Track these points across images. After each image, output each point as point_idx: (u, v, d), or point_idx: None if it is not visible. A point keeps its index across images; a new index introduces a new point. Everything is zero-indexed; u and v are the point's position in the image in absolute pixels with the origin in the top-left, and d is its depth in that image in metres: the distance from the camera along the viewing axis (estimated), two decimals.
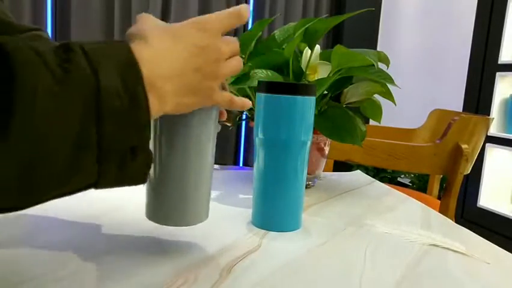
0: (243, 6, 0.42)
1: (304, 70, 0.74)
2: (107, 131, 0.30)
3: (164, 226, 0.47)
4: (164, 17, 2.84)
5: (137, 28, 0.37)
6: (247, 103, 0.46)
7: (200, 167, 0.45)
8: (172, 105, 0.37)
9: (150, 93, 0.33)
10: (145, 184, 0.45)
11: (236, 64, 0.42)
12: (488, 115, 2.11)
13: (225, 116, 0.49)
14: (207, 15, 0.40)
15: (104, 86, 0.29)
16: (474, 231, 0.61)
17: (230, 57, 0.41)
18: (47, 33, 0.52)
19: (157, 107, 0.35)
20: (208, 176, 0.46)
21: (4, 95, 0.25)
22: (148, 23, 0.39)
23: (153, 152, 0.43)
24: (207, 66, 0.38)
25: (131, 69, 0.31)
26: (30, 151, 0.26)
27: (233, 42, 0.42)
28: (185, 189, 0.44)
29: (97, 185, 0.32)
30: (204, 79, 0.38)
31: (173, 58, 0.36)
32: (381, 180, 2.52)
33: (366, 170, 2.73)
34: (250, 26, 3.07)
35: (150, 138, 0.34)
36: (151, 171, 0.44)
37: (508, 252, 0.54)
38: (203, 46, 0.38)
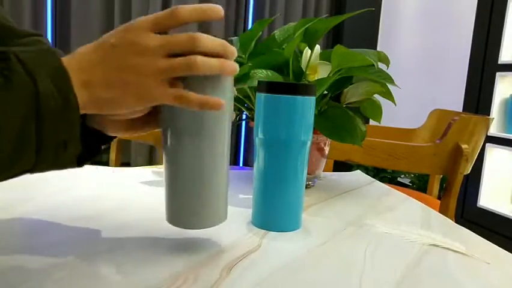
0: (182, 7, 0.41)
1: (304, 70, 0.74)
2: (45, 128, 0.35)
3: (164, 226, 0.47)
4: None
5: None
6: (208, 103, 0.41)
7: (215, 168, 0.45)
8: (103, 102, 0.40)
9: (79, 92, 0.37)
10: (164, 189, 0.47)
11: (179, 61, 0.40)
12: (488, 115, 2.11)
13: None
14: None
15: (42, 91, 0.35)
16: (474, 231, 0.61)
17: (170, 54, 0.40)
18: (47, 39, 0.53)
19: (87, 104, 0.39)
20: (225, 176, 0.47)
21: None
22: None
23: (168, 155, 0.45)
24: (126, 60, 0.39)
25: (61, 75, 0.37)
26: None
27: (164, 39, 0.40)
28: (202, 191, 0.45)
29: (33, 170, 0.38)
30: (127, 73, 0.39)
31: (92, 58, 0.39)
32: (381, 180, 2.52)
33: (366, 170, 2.73)
34: (250, 26, 3.07)
35: (79, 134, 0.39)
36: (167, 175, 0.46)
37: (508, 252, 0.54)
38: (120, 42, 0.39)
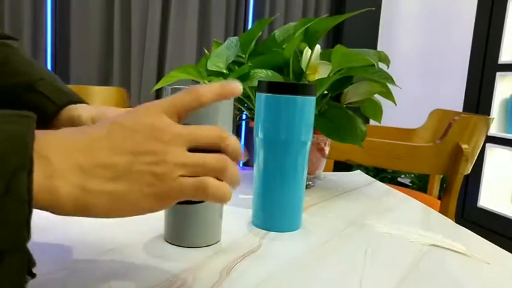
0: (206, 87, 0.34)
1: (304, 70, 0.73)
2: None
3: (163, 227, 0.47)
4: (164, 17, 2.84)
5: None
6: (228, 194, 0.33)
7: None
8: (99, 197, 0.29)
9: (67, 178, 0.27)
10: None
11: (196, 159, 0.32)
12: (489, 115, 2.11)
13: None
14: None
15: None
16: (474, 231, 0.61)
17: (191, 147, 0.32)
18: (21, 46, 0.50)
19: (56, 199, 0.27)
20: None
21: None
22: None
23: None
24: (143, 145, 0.30)
25: (13, 149, 0.25)
26: None
27: (188, 132, 0.32)
28: (198, 215, 0.48)
29: None
30: (134, 164, 0.30)
31: (95, 137, 0.30)
32: (381, 180, 2.52)
33: (366, 170, 2.73)
34: (250, 26, 3.07)
35: (28, 239, 0.26)
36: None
37: (508, 252, 0.54)
38: (134, 124, 0.31)
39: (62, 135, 0.29)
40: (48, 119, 0.48)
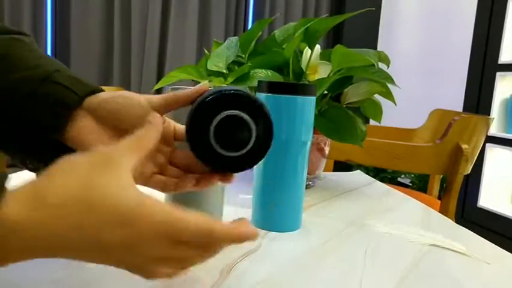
0: (219, 231, 0.31)
1: (304, 70, 0.73)
2: None
3: None
4: (164, 16, 2.84)
5: None
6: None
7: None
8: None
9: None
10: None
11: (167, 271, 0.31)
12: (488, 115, 2.11)
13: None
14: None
15: None
16: (474, 231, 0.61)
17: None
18: (33, 42, 0.50)
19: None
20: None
21: None
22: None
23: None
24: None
25: None
26: None
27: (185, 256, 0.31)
28: None
29: None
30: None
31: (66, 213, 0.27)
32: (381, 180, 2.51)
33: (366, 170, 2.73)
34: (250, 26, 3.07)
35: None
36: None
37: (508, 252, 0.54)
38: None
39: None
40: (70, 110, 0.48)
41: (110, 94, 0.46)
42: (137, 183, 0.30)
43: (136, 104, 0.42)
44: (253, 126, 0.38)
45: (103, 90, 0.50)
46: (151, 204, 0.29)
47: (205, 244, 0.31)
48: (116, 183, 0.29)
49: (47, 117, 0.40)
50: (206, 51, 0.88)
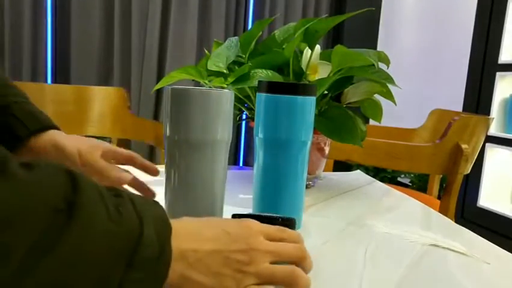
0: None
1: (304, 70, 0.74)
2: (132, 278, 0.30)
3: None
4: (164, 16, 2.84)
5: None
6: None
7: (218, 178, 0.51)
8: (186, 283, 0.35)
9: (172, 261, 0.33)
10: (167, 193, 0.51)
11: (282, 273, 0.37)
12: (488, 115, 2.11)
13: None
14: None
15: (146, 234, 0.31)
16: (474, 231, 0.61)
17: (273, 262, 0.38)
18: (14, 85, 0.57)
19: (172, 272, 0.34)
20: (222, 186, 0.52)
21: (65, 218, 0.28)
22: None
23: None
24: (235, 253, 0.36)
25: (164, 224, 0.34)
26: (64, 271, 0.28)
27: (276, 248, 0.38)
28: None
29: None
30: (228, 265, 0.36)
31: (202, 232, 0.37)
32: (381, 180, 2.51)
33: (366, 170, 2.73)
34: (250, 26, 3.07)
35: None
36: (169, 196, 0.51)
37: (508, 252, 0.54)
38: (232, 232, 0.37)
39: (178, 223, 0.35)
40: (20, 143, 0.54)
41: (50, 142, 0.55)
42: None
43: (67, 157, 0.53)
44: None
45: (56, 128, 0.59)
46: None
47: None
48: None
49: None
50: (206, 51, 0.88)
